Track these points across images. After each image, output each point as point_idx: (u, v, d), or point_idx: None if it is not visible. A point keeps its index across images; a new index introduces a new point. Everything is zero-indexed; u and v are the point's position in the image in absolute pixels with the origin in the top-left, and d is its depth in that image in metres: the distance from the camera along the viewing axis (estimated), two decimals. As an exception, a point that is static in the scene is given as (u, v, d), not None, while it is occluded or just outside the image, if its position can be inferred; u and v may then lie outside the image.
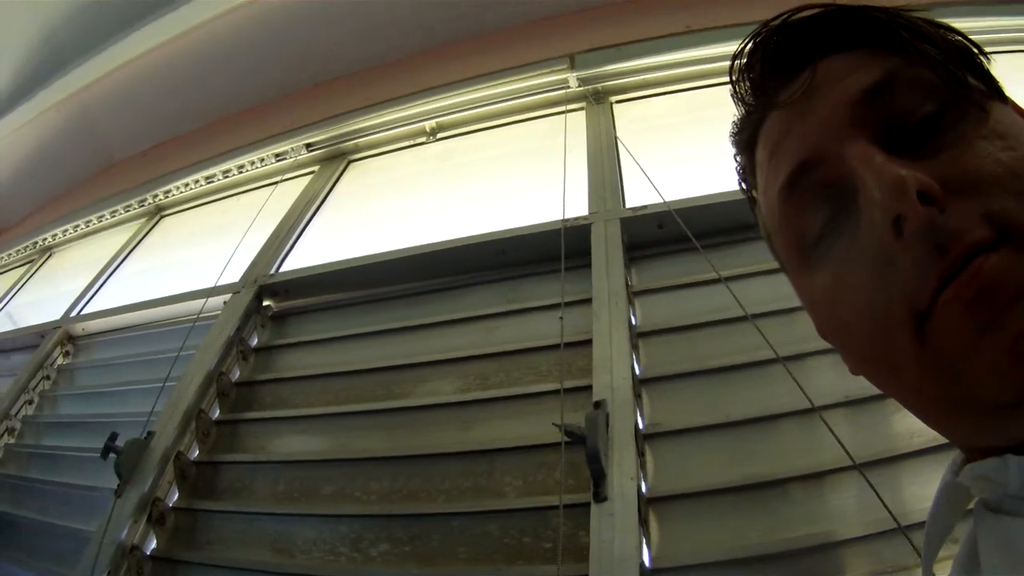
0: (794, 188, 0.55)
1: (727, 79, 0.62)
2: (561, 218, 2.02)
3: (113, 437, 1.99)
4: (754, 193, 0.65)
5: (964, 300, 0.42)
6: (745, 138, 0.64)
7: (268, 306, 2.41)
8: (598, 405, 1.49)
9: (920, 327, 0.44)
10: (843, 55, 0.55)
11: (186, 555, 1.81)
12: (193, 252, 3.19)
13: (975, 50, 0.55)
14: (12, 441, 2.79)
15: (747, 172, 0.66)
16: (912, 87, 0.51)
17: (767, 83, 0.59)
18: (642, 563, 1.27)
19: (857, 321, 0.50)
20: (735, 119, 0.65)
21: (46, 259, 4.22)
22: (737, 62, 0.60)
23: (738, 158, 0.67)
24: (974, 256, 0.42)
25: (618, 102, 2.66)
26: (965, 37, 0.56)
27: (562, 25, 2.99)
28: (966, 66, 0.54)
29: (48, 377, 2.94)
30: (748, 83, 0.61)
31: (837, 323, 0.54)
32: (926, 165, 0.46)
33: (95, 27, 3.63)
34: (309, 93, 3.55)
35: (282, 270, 2.51)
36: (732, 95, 0.63)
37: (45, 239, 4.20)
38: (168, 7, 3.40)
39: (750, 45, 0.59)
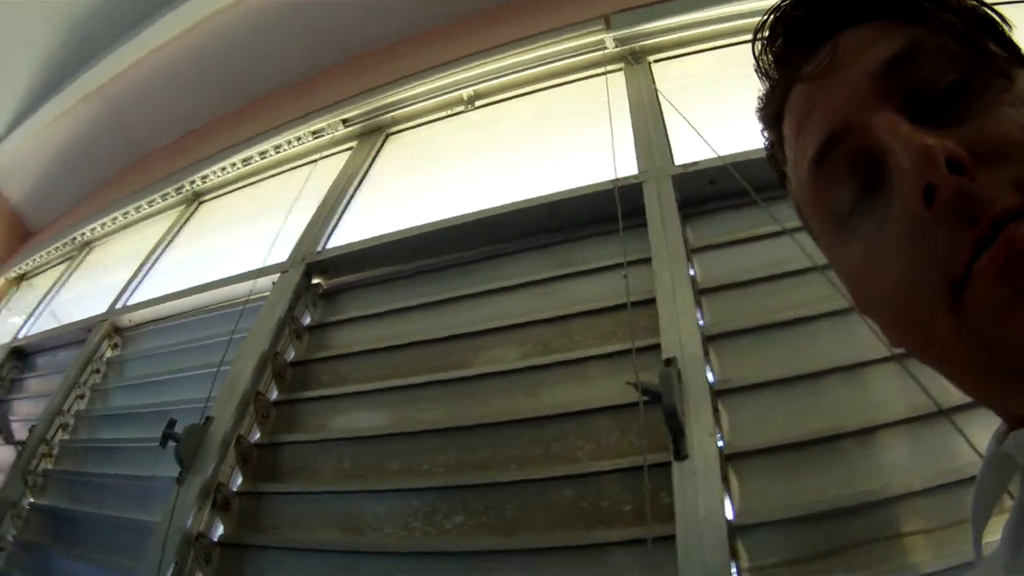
0: (823, 162, 0.55)
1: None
2: (613, 178, 1.97)
3: (171, 424, 1.96)
4: (784, 168, 0.65)
5: (996, 268, 0.41)
6: (771, 113, 0.64)
7: (318, 284, 2.37)
8: (669, 362, 1.44)
9: (956, 296, 0.44)
10: (865, 26, 0.54)
11: (254, 539, 1.78)
12: (235, 236, 3.16)
13: (997, 18, 0.55)
14: (67, 437, 2.80)
15: (775, 147, 0.65)
16: (935, 56, 0.51)
17: (790, 57, 0.59)
18: (728, 520, 1.24)
19: (893, 293, 0.49)
20: (760, 94, 0.65)
21: (86, 254, 4.22)
22: (759, 37, 0.60)
23: (765, 133, 0.67)
24: (1006, 223, 0.41)
25: (656, 61, 2.59)
26: (987, 5, 0.55)
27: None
28: (988, 34, 0.54)
29: (98, 371, 2.94)
30: (771, 57, 0.61)
31: (873, 296, 0.54)
32: (953, 134, 0.45)
33: (120, 16, 3.62)
34: (341, 69, 3.49)
35: (329, 247, 2.47)
36: (756, 70, 0.63)
37: (84, 234, 4.18)
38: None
39: (771, 19, 0.59)
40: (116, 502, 2.30)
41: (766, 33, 0.59)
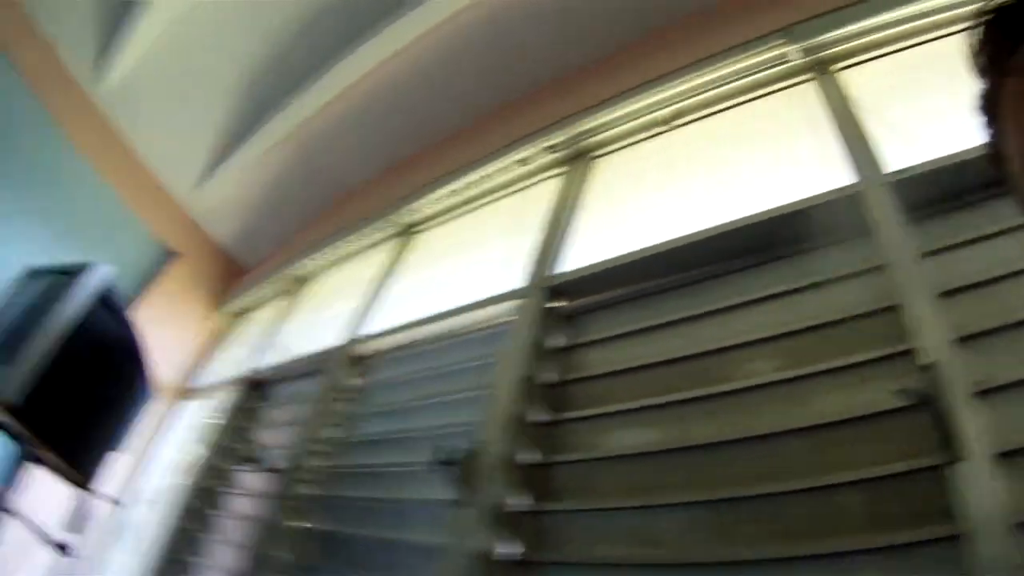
0: None
1: (949, 31, 0.65)
2: (830, 189, 2.01)
3: (443, 449, 2.09)
4: (1005, 165, 0.64)
5: None
6: (989, 109, 0.65)
7: (559, 306, 2.45)
8: (930, 366, 1.46)
9: None
10: None
11: (546, 556, 1.88)
12: (454, 265, 3.28)
13: None
14: (321, 463, 2.97)
15: (997, 143, 0.66)
16: None
17: (1001, 51, 0.60)
18: (1008, 517, 1.25)
19: None
20: (976, 92, 0.66)
21: (303, 288, 4.46)
22: (970, 33, 0.62)
23: (984, 131, 0.67)
24: None
25: (841, 68, 2.52)
26: None
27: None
28: None
29: (343, 399, 3.12)
30: (983, 54, 0.62)
31: None
32: None
33: (319, 48, 3.82)
34: (540, 93, 3.57)
35: (562, 270, 2.55)
36: (970, 69, 0.64)
37: (298, 269, 4.44)
38: (389, 18, 3.53)
39: (980, 16, 0.61)
40: (388, 524, 2.46)
41: (976, 32, 0.62)
